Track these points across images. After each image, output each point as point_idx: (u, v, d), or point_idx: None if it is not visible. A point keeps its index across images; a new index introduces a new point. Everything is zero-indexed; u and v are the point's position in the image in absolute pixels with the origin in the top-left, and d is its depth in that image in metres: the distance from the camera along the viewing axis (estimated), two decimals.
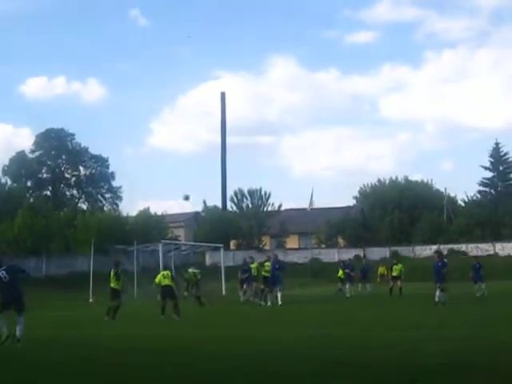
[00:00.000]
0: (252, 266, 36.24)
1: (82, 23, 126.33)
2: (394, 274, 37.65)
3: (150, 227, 64.31)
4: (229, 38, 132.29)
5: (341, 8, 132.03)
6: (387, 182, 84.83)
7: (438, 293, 27.14)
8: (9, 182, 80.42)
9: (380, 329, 17.92)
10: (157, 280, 26.05)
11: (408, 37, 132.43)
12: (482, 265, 34.70)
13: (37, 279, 50.53)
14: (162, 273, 26.84)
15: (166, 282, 25.67)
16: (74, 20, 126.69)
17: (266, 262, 34.17)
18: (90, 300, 36.97)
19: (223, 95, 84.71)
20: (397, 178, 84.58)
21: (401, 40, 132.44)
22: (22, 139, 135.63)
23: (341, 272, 39.18)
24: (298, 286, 36.21)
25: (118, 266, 26.29)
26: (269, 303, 30.18)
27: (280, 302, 30.13)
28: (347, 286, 38.54)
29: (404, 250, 62.19)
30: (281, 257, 66.49)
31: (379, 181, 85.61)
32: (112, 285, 25.60)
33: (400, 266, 38.11)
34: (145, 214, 71.17)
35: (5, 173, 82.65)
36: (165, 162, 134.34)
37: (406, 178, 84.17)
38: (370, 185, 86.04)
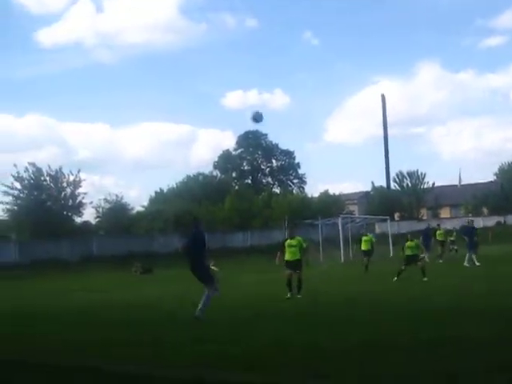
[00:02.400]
0: (438, 232, 34.94)
1: (266, 46, 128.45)
2: None
3: (330, 205, 64.25)
4: (384, 49, 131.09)
5: (474, 18, 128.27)
6: None
7: None
8: (219, 175, 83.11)
9: None
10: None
11: None
12: None
13: (243, 249, 51.84)
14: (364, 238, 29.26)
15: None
16: (260, 43, 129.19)
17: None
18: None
19: (383, 97, 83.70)
20: None
21: None
22: (227, 140, 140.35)
23: None
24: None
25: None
26: (477, 263, 26.43)
27: (478, 263, 26.56)
28: None
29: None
30: (435, 225, 65.79)
31: None
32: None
33: None
34: (325, 195, 71.28)
35: (215, 167, 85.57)
36: (338, 152, 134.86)
37: None
38: (507, 163, 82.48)
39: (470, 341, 8.39)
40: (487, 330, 9.05)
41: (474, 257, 27.04)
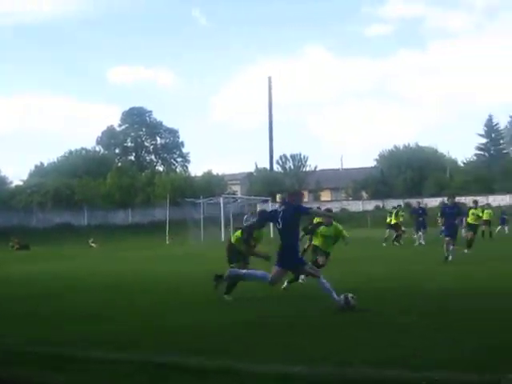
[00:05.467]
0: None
1: (154, 22, 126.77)
2: (485, 217, 30.93)
3: (213, 184, 64.58)
4: (272, 31, 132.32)
5: (360, 5, 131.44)
6: (401, 147, 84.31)
7: (451, 247, 18.03)
8: (101, 150, 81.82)
9: None
10: None
11: (416, 28, 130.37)
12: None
13: (124, 226, 51.50)
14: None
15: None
16: (148, 18, 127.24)
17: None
18: (167, 242, 37.45)
19: (269, 79, 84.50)
20: (409, 144, 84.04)
21: (410, 31, 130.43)
22: (111, 116, 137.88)
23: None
24: None
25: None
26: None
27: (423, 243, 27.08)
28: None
29: (415, 202, 61.77)
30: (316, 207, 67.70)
31: (395, 146, 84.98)
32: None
33: (490, 211, 32.36)
34: (208, 174, 71.59)
35: (98, 143, 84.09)
36: (223, 132, 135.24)
37: (417, 144, 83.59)
38: (387, 150, 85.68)
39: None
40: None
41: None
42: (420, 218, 27.91)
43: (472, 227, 23.56)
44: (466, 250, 21.12)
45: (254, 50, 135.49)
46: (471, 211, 24.49)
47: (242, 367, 6.03)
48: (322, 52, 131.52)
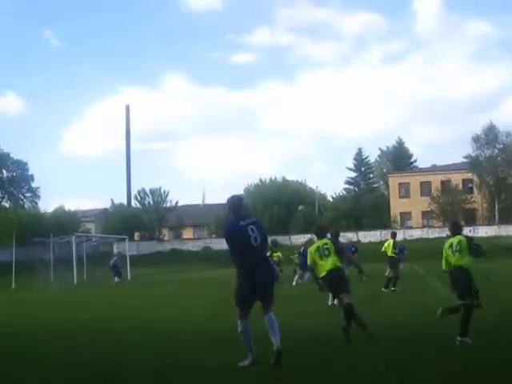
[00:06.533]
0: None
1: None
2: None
3: (65, 221, 62.00)
4: (131, 57, 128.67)
5: (225, 32, 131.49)
6: (267, 181, 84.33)
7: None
8: None
9: None
10: None
11: (283, 58, 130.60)
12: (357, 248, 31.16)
13: None
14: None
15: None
16: None
17: None
18: (13, 286, 34.04)
19: (127, 107, 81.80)
20: (275, 178, 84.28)
21: (277, 60, 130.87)
22: None
23: None
24: (193, 271, 33.79)
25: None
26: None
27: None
28: None
29: (282, 239, 60.82)
30: (178, 246, 65.56)
31: (261, 180, 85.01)
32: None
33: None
34: (60, 211, 69.01)
35: None
36: (77, 165, 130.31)
37: (284, 178, 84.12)
38: (253, 184, 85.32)
39: None
40: None
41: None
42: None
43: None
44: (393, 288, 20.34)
45: (111, 79, 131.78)
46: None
47: None
48: (184, 81, 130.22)
